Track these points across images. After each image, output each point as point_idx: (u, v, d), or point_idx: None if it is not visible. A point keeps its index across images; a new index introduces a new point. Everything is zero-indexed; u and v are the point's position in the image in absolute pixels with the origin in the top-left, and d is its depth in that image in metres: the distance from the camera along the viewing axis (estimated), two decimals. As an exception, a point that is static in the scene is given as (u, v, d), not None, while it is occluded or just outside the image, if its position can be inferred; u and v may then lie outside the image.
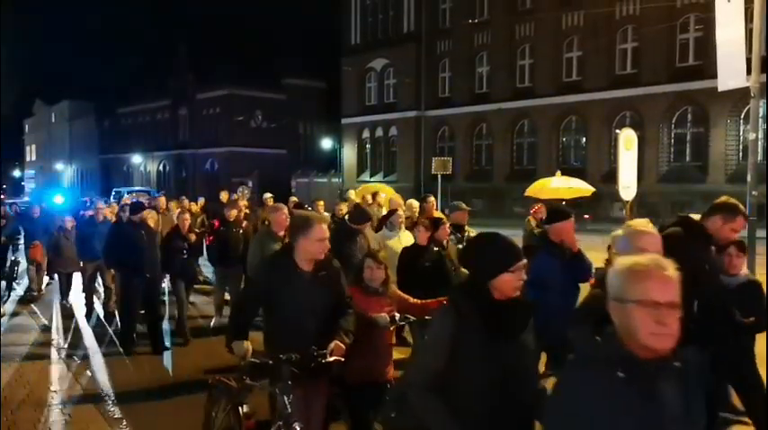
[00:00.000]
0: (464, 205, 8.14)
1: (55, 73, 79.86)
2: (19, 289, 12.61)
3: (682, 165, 26.31)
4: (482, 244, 2.85)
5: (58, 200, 25.00)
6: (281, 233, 6.64)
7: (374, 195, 12.38)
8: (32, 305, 11.17)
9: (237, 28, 53.59)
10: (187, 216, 9.05)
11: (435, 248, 6.55)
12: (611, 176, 18.24)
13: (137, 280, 7.90)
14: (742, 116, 23.18)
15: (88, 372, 7.18)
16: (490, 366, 2.52)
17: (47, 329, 9.43)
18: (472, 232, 7.54)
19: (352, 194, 12.52)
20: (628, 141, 13.51)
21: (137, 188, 40.23)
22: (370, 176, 39.28)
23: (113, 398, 6.34)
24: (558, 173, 15.73)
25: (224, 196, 14.30)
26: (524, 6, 31.44)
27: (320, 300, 3.74)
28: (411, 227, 7.34)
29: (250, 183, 37.50)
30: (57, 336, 8.97)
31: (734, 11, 12.80)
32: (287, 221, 6.82)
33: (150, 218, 8.44)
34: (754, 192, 12.51)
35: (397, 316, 4.50)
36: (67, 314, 10.40)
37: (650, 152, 25.95)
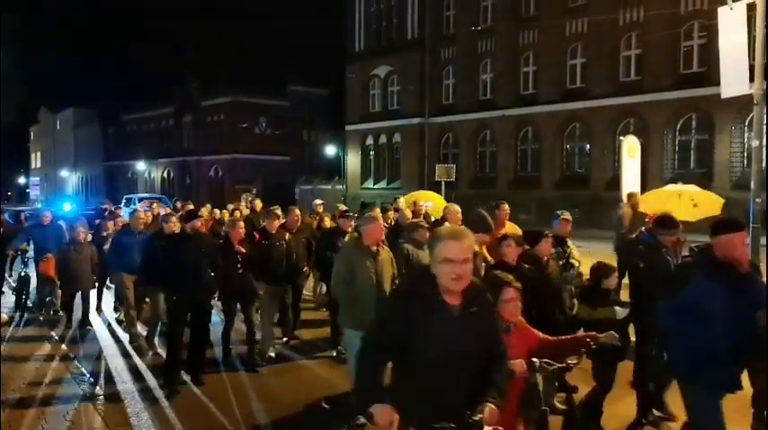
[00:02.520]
0: (567, 214, 6.97)
1: (60, 80, 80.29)
2: (31, 307, 11.27)
3: (686, 171, 26.21)
4: None
5: (66, 208, 23.46)
6: (375, 247, 5.89)
7: (411, 204, 11.58)
8: (46, 327, 9.93)
9: (242, 35, 53.85)
10: (242, 225, 8.02)
11: (527, 266, 5.40)
12: (615, 183, 18.18)
13: (184, 301, 6.87)
14: (746, 123, 23.09)
15: (119, 415, 6.09)
16: None
17: (68, 358, 8.10)
18: (574, 248, 6.76)
19: (401, 202, 11.53)
20: (630, 149, 13.55)
21: (147, 195, 40.03)
22: (374, 183, 39.30)
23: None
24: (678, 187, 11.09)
25: (258, 205, 13.40)
26: (528, 13, 31.45)
27: (470, 347, 2.84)
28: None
29: (254, 190, 37.70)
30: (82, 368, 7.65)
31: (737, 18, 12.81)
32: (381, 234, 6.08)
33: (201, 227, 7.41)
34: (757, 200, 12.49)
35: (537, 361, 3.56)
36: (91, 339, 9.21)
37: (654, 159, 25.89)
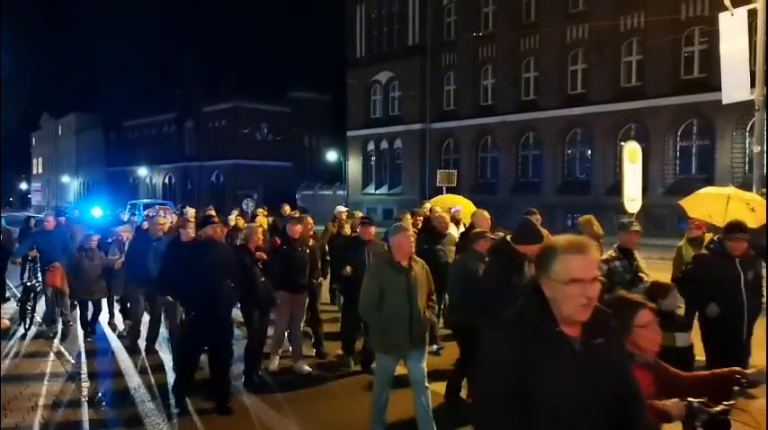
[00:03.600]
0: (635, 223, 6.25)
1: (62, 86, 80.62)
2: (38, 320, 10.34)
3: (687, 177, 26.21)
4: None
5: (97, 213, 20.91)
6: (407, 262, 5.24)
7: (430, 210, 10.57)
8: (56, 342, 9.07)
9: (243, 41, 54.00)
10: (260, 231, 7.51)
11: (601, 277, 4.99)
12: (616, 189, 18.17)
13: (202, 318, 6.10)
14: (748, 128, 23.11)
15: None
16: None
17: (78, 377, 7.35)
18: (641, 261, 6.07)
19: (427, 207, 10.92)
20: (632, 154, 13.51)
21: (153, 200, 39.54)
22: (375, 189, 39.33)
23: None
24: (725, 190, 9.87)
25: (286, 209, 12.61)
26: (529, 19, 31.52)
27: (598, 388, 2.24)
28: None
29: (255, 196, 37.70)
30: (94, 387, 6.99)
31: (738, 24, 12.87)
32: (412, 248, 5.36)
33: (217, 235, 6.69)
34: (759, 206, 12.49)
35: (695, 402, 2.90)
36: (102, 355, 8.45)
37: (656, 164, 25.89)
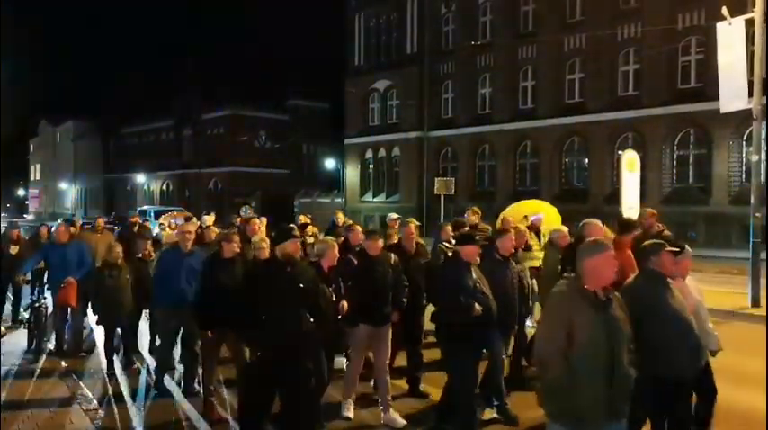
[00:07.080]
0: None
1: (60, 93, 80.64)
2: (50, 347, 8.57)
3: (684, 186, 26.29)
4: None
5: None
6: (603, 294, 3.65)
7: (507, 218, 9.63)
8: (75, 376, 7.42)
9: (242, 49, 54.12)
10: (336, 247, 6.15)
11: None
12: (614, 198, 18.21)
13: (275, 359, 4.84)
14: (744, 138, 23.20)
15: None
16: None
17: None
18: None
19: (509, 214, 9.90)
20: (630, 163, 13.57)
21: (165, 207, 38.78)
22: (373, 197, 39.34)
23: None
24: None
25: (340, 218, 10.78)
26: (526, 29, 31.65)
27: None
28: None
29: (253, 203, 37.66)
30: None
31: (735, 34, 12.92)
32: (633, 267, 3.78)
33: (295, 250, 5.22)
34: (756, 214, 12.53)
35: None
36: (131, 398, 6.73)
37: (653, 173, 25.94)
